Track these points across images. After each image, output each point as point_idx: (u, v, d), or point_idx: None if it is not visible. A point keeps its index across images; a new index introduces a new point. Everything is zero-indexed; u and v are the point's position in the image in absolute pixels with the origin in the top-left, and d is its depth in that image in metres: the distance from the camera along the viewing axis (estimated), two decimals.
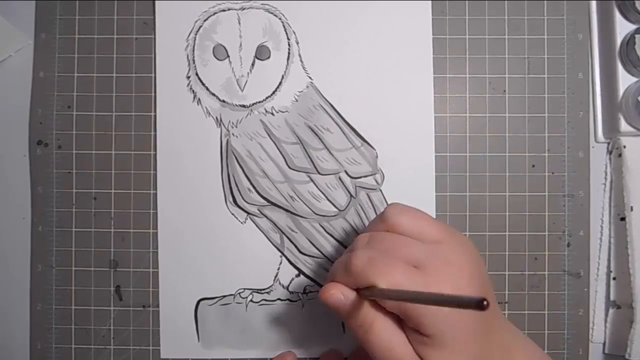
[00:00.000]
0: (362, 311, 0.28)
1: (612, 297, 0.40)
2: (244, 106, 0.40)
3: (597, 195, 0.41)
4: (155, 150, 0.41)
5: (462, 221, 0.40)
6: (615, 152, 0.40)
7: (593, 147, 0.41)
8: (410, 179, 0.40)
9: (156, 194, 0.41)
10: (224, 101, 0.40)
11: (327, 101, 0.40)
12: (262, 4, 0.41)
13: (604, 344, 0.41)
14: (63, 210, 0.41)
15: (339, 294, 0.28)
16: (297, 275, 0.40)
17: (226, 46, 0.40)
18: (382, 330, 0.28)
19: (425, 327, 0.26)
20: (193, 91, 0.41)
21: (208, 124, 0.41)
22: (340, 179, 0.40)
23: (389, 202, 0.40)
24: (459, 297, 0.22)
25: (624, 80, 0.40)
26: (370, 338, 0.28)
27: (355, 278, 0.28)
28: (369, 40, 0.41)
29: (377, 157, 0.40)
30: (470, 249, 0.29)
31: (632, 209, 0.39)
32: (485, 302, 0.21)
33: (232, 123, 0.40)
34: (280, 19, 0.41)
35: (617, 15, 0.40)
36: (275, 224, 0.40)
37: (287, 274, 0.40)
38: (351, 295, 0.28)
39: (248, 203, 0.40)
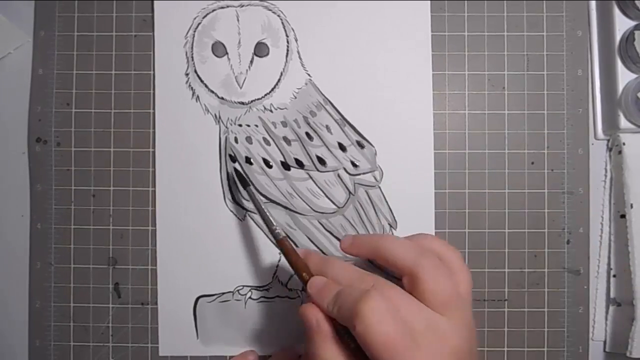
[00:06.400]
0: (326, 345, 0.29)
1: (612, 295, 0.40)
2: (242, 103, 0.40)
3: (596, 192, 0.41)
4: (154, 147, 0.41)
5: (461, 218, 0.40)
6: (615, 149, 0.40)
7: (592, 144, 0.41)
8: (409, 176, 0.40)
9: (155, 191, 0.40)
10: (222, 98, 0.40)
11: (326, 98, 0.40)
12: (261, 1, 0.41)
13: (605, 342, 0.40)
14: (62, 208, 0.41)
15: (314, 320, 0.30)
16: None
17: (225, 43, 0.40)
18: None
19: None
20: (192, 88, 0.41)
21: (207, 121, 0.41)
22: (339, 176, 0.40)
23: (388, 200, 0.40)
24: None
25: (624, 76, 0.39)
26: None
27: (345, 313, 0.28)
28: (367, 37, 0.41)
29: (376, 154, 0.40)
30: (469, 328, 0.29)
31: (632, 206, 0.39)
32: None
33: (231, 120, 0.40)
34: (279, 16, 0.41)
35: (617, 12, 0.40)
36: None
37: (286, 271, 0.40)
38: (325, 327, 0.30)
39: (247, 200, 0.40)
